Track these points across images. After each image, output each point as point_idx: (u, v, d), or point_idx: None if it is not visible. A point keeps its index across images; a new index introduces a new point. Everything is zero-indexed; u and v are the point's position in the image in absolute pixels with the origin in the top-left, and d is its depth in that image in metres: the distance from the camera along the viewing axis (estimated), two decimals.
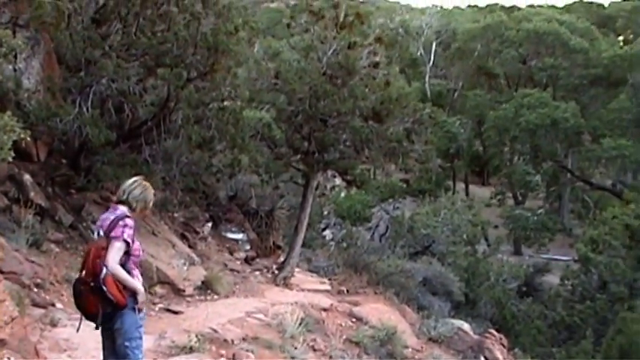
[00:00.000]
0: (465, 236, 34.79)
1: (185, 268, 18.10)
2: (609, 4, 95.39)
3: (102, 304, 7.94)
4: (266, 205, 25.72)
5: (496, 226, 56.16)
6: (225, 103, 18.11)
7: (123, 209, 8.30)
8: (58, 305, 13.20)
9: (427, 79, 69.87)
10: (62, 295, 13.75)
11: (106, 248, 8.00)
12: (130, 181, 8.55)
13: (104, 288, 7.87)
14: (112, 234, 8.04)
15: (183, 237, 21.04)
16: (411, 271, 26.12)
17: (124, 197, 8.37)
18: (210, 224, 23.57)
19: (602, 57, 59.92)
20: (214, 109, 17.63)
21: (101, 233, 8.15)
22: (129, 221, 8.18)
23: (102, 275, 7.89)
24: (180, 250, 18.84)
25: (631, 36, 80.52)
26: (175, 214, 22.35)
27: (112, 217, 8.18)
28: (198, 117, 17.21)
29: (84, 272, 8.04)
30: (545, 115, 53.61)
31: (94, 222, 16.44)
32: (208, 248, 22.18)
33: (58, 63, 17.09)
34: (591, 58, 60.80)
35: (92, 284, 7.93)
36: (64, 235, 16.43)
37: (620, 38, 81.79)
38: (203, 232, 22.83)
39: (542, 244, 54.37)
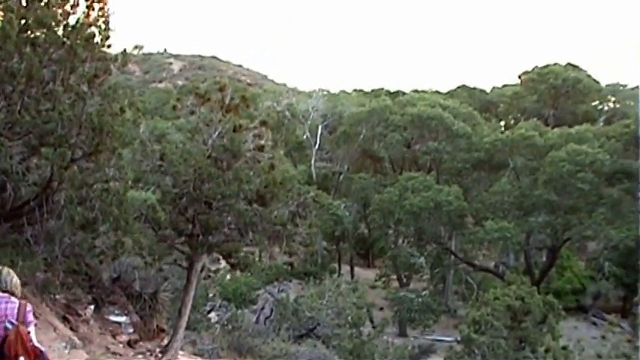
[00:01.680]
0: (349, 318, 34.88)
1: (66, 351, 17.75)
2: (491, 90, 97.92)
3: None
4: (150, 287, 25.40)
5: (381, 308, 56.70)
6: (110, 184, 17.94)
7: (14, 298, 8.87)
8: None
9: (313, 162, 70.15)
10: None
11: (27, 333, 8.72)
12: (4, 271, 9.08)
13: None
14: (28, 320, 8.81)
15: (64, 319, 20.63)
16: (295, 354, 26.12)
17: (9, 287, 8.91)
18: (92, 306, 23.15)
19: (485, 141, 61.44)
20: (98, 190, 17.42)
21: (13, 321, 8.64)
22: (31, 307, 8.98)
23: (44, 356, 8.80)
24: (61, 332, 18.48)
25: (512, 121, 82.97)
26: (57, 296, 21.90)
27: (14, 306, 8.79)
28: (82, 198, 17.00)
29: (22, 358, 8.55)
30: (429, 198, 54.62)
31: None
32: (90, 331, 21.76)
33: None
34: (474, 142, 62.30)
35: None
36: None
37: (502, 123, 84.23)
38: (85, 314, 22.40)
39: (426, 326, 54.95)
